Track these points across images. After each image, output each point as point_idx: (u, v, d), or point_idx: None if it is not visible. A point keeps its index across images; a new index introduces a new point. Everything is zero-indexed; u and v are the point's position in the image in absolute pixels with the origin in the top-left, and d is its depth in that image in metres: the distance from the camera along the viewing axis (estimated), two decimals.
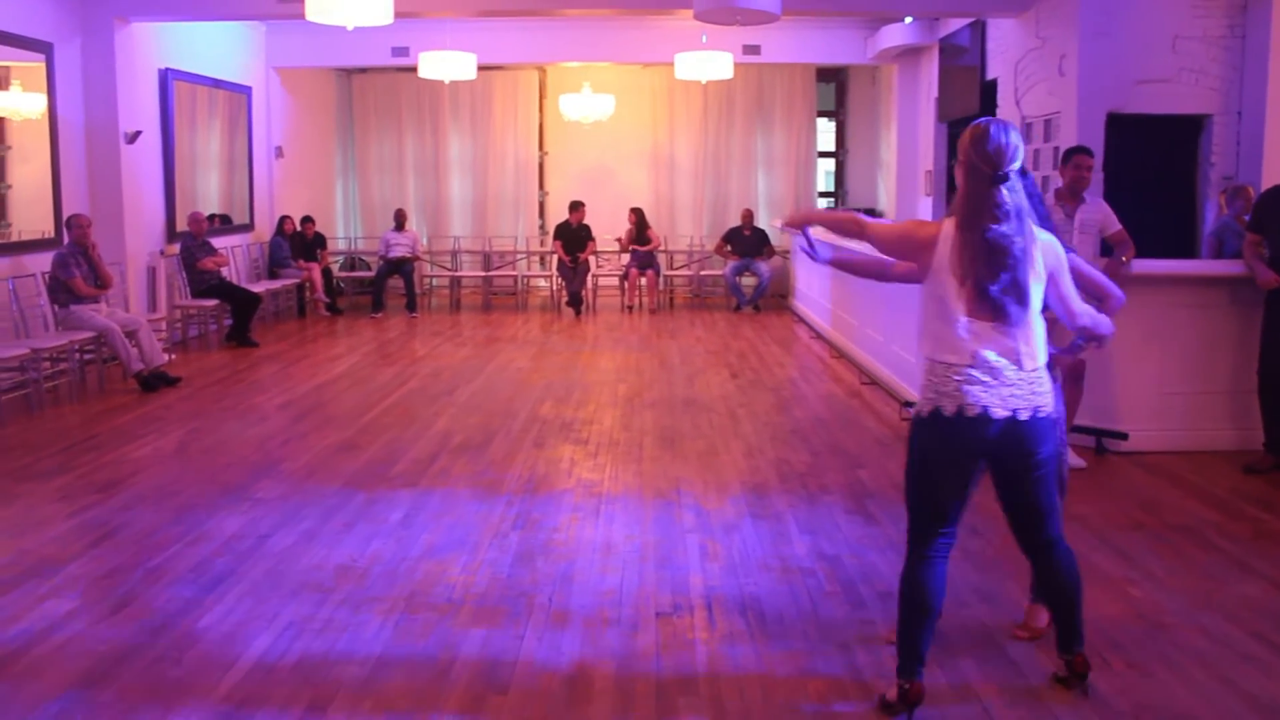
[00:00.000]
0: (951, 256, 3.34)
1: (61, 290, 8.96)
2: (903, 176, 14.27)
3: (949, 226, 3.38)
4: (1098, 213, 6.55)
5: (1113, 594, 4.57)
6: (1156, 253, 7.00)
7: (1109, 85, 8.21)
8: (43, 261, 9.21)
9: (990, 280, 3.29)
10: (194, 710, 3.55)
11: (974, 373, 3.34)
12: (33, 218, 9.68)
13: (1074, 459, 6.54)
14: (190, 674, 3.82)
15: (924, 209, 13.37)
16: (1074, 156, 6.47)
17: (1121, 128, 8.20)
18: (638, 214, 14.85)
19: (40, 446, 7.13)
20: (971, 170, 3.32)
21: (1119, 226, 6.58)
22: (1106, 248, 6.68)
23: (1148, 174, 8.26)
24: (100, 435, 7.45)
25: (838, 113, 17.07)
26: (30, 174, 9.75)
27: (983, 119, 3.41)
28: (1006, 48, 9.86)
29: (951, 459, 3.43)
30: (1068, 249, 3.65)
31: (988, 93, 10.48)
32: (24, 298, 8.98)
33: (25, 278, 9.10)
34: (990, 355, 3.33)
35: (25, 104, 9.63)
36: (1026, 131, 9.37)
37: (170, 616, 4.32)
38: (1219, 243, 8.04)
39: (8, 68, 9.48)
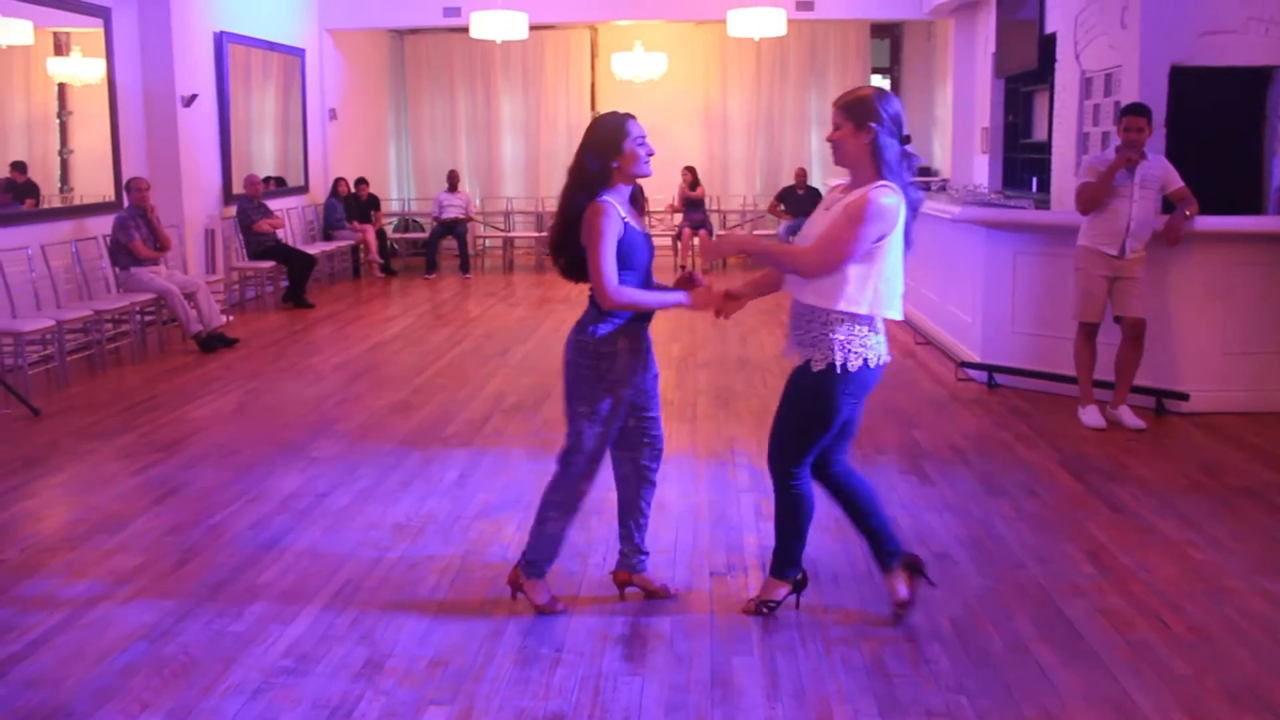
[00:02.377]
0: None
1: (122, 253, 9.10)
2: (958, 134, 14.02)
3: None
4: (1159, 169, 6.42)
5: (1173, 556, 4.51)
6: (1221, 209, 6.83)
7: (1172, 37, 7.99)
8: (104, 225, 9.35)
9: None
10: (254, 665, 3.62)
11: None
12: (94, 182, 9.84)
13: (1133, 419, 6.46)
14: (250, 629, 3.89)
15: (979, 167, 13.16)
16: (1123, 119, 6.37)
17: (1185, 81, 7.98)
18: (691, 172, 14.77)
19: (103, 406, 7.26)
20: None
21: (1181, 183, 6.44)
22: (1168, 205, 6.55)
23: (1212, 128, 8.04)
24: (161, 395, 7.58)
25: (892, 69, 16.82)
26: (91, 139, 9.89)
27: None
28: (1066, 0, 9.63)
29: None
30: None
31: (1046, 47, 10.24)
32: (86, 260, 9.14)
33: (87, 240, 9.25)
34: None
35: (85, 70, 9.75)
36: (1087, 87, 9.17)
37: (231, 573, 4.41)
38: None
39: (68, 34, 9.60)
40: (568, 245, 3.85)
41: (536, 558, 4.00)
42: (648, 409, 4.05)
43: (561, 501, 3.98)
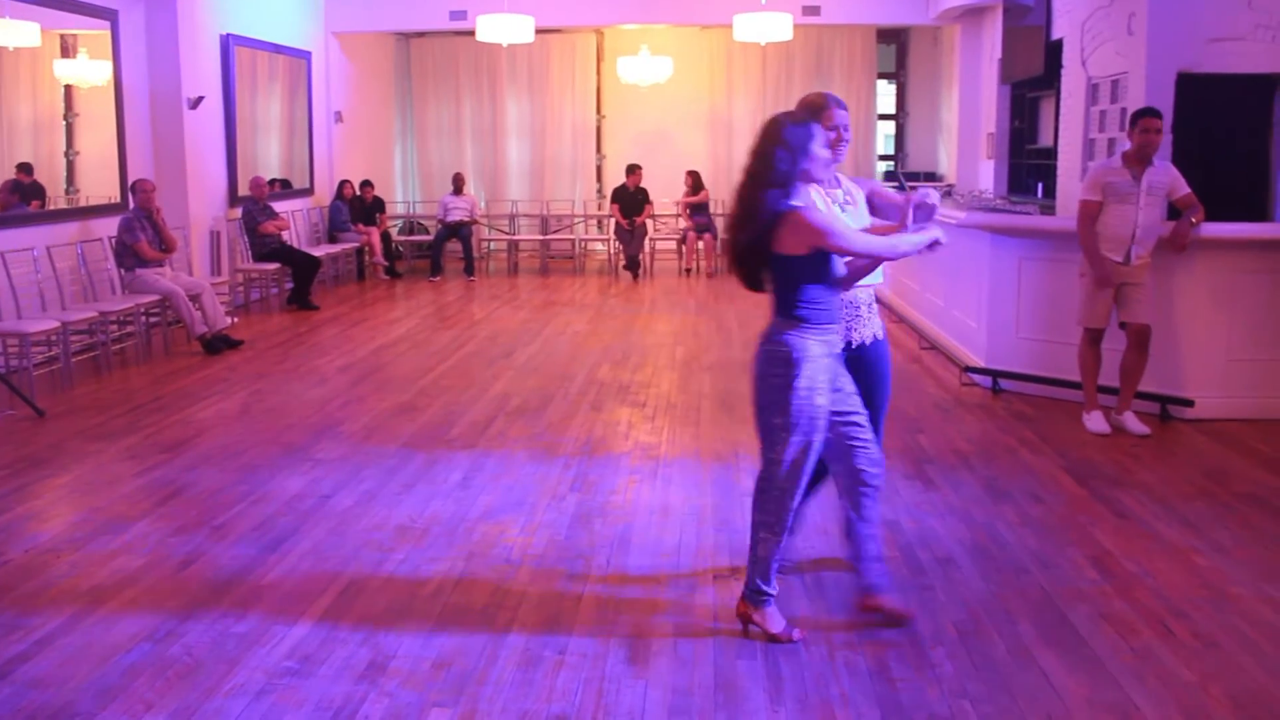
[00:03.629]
0: None
1: (127, 254, 9.11)
2: (964, 139, 14.04)
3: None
4: (1165, 176, 6.41)
5: (1177, 563, 4.50)
6: (1226, 216, 6.83)
7: (1179, 44, 7.99)
8: (109, 226, 9.37)
9: None
10: (258, 666, 3.63)
11: None
12: (99, 183, 9.86)
13: (1138, 426, 6.45)
14: (253, 631, 3.89)
15: (985, 172, 13.16)
16: (1140, 120, 6.33)
17: (1192, 88, 7.98)
18: (694, 176, 14.77)
19: (108, 407, 7.27)
20: None
21: (1187, 190, 6.44)
22: (1174, 211, 6.54)
23: (1219, 135, 8.04)
24: (166, 396, 7.59)
25: (898, 74, 16.83)
26: (97, 140, 9.91)
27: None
28: (1073, 7, 9.63)
29: None
30: None
31: (1053, 53, 10.25)
32: (92, 262, 9.16)
33: (93, 242, 9.27)
34: None
35: (92, 72, 9.77)
36: (1093, 93, 9.16)
37: (234, 574, 4.41)
38: None
39: (75, 36, 9.62)
40: (754, 253, 3.74)
41: (759, 585, 3.82)
42: (854, 412, 3.81)
43: (771, 523, 3.77)
